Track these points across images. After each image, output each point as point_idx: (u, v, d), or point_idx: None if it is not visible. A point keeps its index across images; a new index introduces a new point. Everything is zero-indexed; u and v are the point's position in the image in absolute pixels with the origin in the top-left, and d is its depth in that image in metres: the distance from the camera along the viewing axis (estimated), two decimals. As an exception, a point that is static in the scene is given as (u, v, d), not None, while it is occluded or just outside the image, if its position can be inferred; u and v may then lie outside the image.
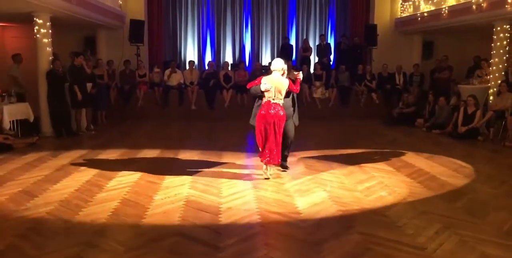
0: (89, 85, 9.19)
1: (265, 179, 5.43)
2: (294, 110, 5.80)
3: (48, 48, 8.52)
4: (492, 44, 9.13)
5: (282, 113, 5.38)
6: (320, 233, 3.78)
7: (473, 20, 9.30)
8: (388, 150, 7.36)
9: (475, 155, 7.03)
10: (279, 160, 5.54)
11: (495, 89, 9.02)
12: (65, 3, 8.14)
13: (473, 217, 4.16)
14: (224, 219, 4.09)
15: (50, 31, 8.50)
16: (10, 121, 7.85)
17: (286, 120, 5.53)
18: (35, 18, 8.25)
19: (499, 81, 8.86)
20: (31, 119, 8.48)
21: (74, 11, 8.64)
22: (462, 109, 8.72)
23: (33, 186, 5.15)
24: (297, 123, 5.91)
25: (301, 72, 5.82)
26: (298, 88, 5.68)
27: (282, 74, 5.49)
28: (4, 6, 7.57)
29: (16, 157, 6.73)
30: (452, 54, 11.89)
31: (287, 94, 5.58)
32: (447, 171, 5.94)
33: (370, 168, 6.07)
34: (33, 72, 8.79)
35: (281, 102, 5.41)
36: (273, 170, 5.69)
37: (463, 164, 6.39)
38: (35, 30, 8.35)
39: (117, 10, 11.46)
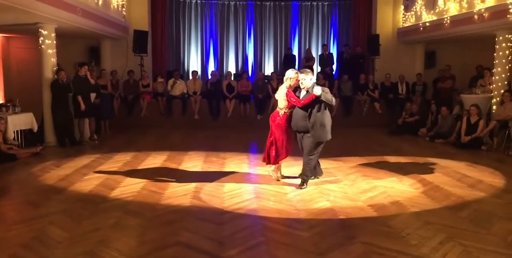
0: (92, 95, 9.25)
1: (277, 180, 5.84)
2: (313, 125, 5.33)
3: (52, 59, 8.60)
4: (495, 54, 9.15)
5: (277, 122, 5.60)
6: (323, 243, 3.76)
7: (475, 30, 9.33)
8: (391, 160, 7.34)
9: (479, 164, 7.00)
10: (268, 161, 5.79)
11: (498, 98, 9.01)
12: (70, 14, 8.24)
13: (478, 227, 4.13)
14: (227, 228, 4.08)
15: (54, 42, 8.59)
16: (14, 131, 7.89)
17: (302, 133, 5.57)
18: (40, 29, 8.35)
19: (502, 91, 8.85)
20: (35, 129, 8.53)
21: (78, 22, 8.74)
22: (465, 118, 8.71)
23: (37, 196, 5.16)
24: (318, 139, 5.40)
25: (315, 87, 5.26)
26: (303, 102, 5.31)
27: (293, 84, 5.52)
28: (10, 18, 7.67)
29: (20, 167, 6.75)
30: (454, 63, 11.91)
31: (308, 106, 5.34)
32: (451, 181, 5.92)
33: (373, 178, 6.05)
34: (37, 83, 8.86)
35: (281, 111, 5.57)
36: (278, 173, 5.86)
37: (467, 173, 6.37)
38: (40, 41, 8.44)
39: (121, 21, 11.58)
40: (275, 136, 5.67)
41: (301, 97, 5.42)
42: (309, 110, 5.35)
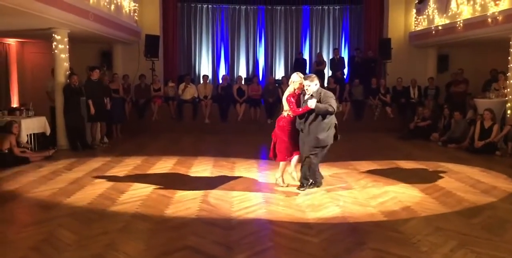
0: (106, 100, 9.32)
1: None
2: (307, 135, 5.34)
3: (65, 63, 8.71)
4: (509, 57, 9.00)
5: (281, 124, 5.58)
6: (332, 248, 3.72)
7: (488, 33, 9.21)
8: (402, 165, 7.26)
9: (493, 170, 6.87)
10: (271, 156, 5.78)
11: (512, 103, 8.87)
12: (83, 19, 8.35)
13: (491, 234, 4.04)
14: (235, 233, 4.06)
15: (67, 46, 8.70)
16: (27, 135, 8.00)
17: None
18: (53, 34, 8.47)
19: (517, 95, 8.71)
20: (48, 132, 8.62)
21: (91, 27, 8.84)
22: (478, 123, 8.58)
23: (48, 198, 5.20)
24: (330, 141, 5.43)
25: (309, 100, 5.21)
26: (298, 112, 5.35)
27: (297, 88, 5.50)
28: (25, 23, 7.80)
29: (32, 170, 6.83)
30: (467, 67, 11.77)
31: (303, 116, 5.36)
32: (464, 187, 5.82)
33: (383, 183, 5.98)
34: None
35: (284, 113, 5.58)
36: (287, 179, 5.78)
37: (481, 179, 6.26)
38: (54, 46, 8.56)
39: (133, 25, 11.69)
40: (278, 138, 5.65)
41: (302, 102, 5.42)
42: (303, 119, 5.35)
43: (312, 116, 5.30)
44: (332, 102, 5.24)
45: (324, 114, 5.26)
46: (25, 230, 4.15)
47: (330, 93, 5.37)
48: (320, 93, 5.32)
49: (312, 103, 5.17)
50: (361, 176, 6.44)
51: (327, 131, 5.36)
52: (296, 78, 5.52)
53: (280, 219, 4.46)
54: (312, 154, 5.41)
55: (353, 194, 5.45)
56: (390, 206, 4.94)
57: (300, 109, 5.36)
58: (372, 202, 5.09)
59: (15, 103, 10.96)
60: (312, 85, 5.30)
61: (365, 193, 5.47)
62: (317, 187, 5.64)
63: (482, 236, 4.00)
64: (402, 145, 9.52)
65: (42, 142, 8.57)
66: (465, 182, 6.06)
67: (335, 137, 5.52)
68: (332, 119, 5.41)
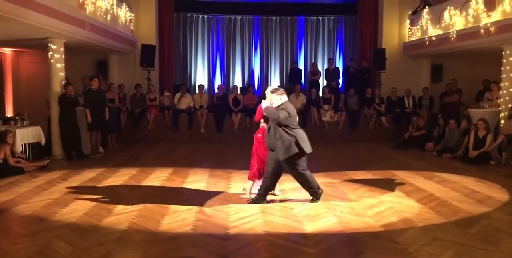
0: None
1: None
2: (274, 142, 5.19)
3: (61, 73, 8.70)
4: (502, 68, 9.12)
5: (259, 135, 5.62)
6: (329, 259, 3.71)
7: (481, 44, 9.33)
8: (398, 174, 7.28)
9: (488, 179, 6.91)
10: (252, 177, 5.68)
11: (506, 113, 8.94)
12: (79, 29, 8.37)
13: (487, 244, 4.06)
14: (232, 244, 4.04)
15: (63, 56, 8.71)
16: (22, 145, 7.95)
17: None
18: (49, 44, 8.47)
19: (510, 105, 8.79)
20: (43, 142, 8.58)
21: (87, 36, 8.86)
22: (473, 133, 8.65)
23: (43, 209, 5.16)
24: (280, 157, 5.17)
25: (263, 101, 5.42)
26: (255, 116, 5.66)
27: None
28: (21, 33, 7.80)
29: (27, 180, 6.78)
30: (461, 77, 11.89)
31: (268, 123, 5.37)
32: (459, 196, 5.84)
33: (380, 193, 5.99)
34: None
35: (261, 125, 5.65)
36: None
37: (476, 189, 6.29)
38: (49, 56, 8.56)
39: (129, 35, 11.73)
40: (253, 151, 5.72)
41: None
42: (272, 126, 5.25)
43: (268, 125, 5.32)
44: (280, 112, 5.10)
45: (273, 120, 5.16)
46: (20, 241, 4.11)
47: (289, 108, 5.20)
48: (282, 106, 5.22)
49: (263, 104, 5.37)
50: (357, 185, 6.45)
51: (280, 144, 5.13)
52: (267, 90, 5.55)
53: (277, 230, 4.44)
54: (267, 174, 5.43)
55: (350, 204, 5.45)
56: (387, 216, 4.95)
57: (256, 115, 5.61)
58: (368, 212, 5.10)
59: (9, 113, 10.90)
60: (276, 98, 5.25)
61: (362, 203, 5.47)
62: (312, 199, 5.52)
63: (479, 245, 4.01)
64: (397, 154, 9.56)
65: (37, 151, 8.51)
66: (460, 192, 6.09)
67: (301, 151, 5.18)
68: (284, 136, 5.12)
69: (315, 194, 5.52)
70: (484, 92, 10.38)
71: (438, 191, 6.14)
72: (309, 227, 4.53)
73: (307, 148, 5.25)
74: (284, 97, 5.32)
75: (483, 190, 6.19)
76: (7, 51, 11.17)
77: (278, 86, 5.71)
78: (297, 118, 5.40)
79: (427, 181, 6.77)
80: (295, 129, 5.23)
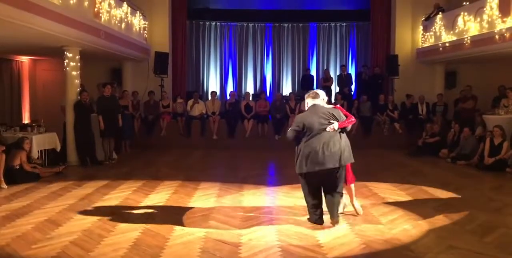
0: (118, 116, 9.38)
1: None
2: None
3: (76, 80, 8.84)
4: (518, 74, 9.02)
5: None
6: (343, 267, 3.69)
7: (496, 50, 9.23)
8: (412, 182, 7.21)
9: (505, 187, 6.81)
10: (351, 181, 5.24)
11: (522, 119, 8.83)
12: (94, 37, 8.51)
13: (504, 253, 3.99)
14: (244, 251, 4.04)
15: (79, 64, 8.85)
16: (38, 151, 8.08)
17: None
18: (65, 52, 8.63)
19: (526, 112, 8.67)
20: (58, 149, 8.70)
21: (102, 45, 9.01)
22: (488, 140, 8.53)
23: (58, 215, 5.23)
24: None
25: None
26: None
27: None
28: (38, 41, 7.96)
29: (43, 186, 6.88)
30: (476, 83, 11.74)
31: None
32: (476, 204, 5.76)
33: (393, 200, 5.94)
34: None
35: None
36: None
37: (492, 196, 6.20)
38: (65, 63, 8.71)
39: (143, 43, 11.89)
40: None
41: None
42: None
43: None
44: (289, 130, 4.81)
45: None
46: (36, 247, 4.16)
47: (300, 115, 4.87)
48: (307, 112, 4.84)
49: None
50: (370, 193, 6.40)
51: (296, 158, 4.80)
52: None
53: (290, 237, 4.43)
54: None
55: (363, 211, 5.40)
56: (401, 223, 4.90)
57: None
58: (382, 219, 5.05)
59: (26, 120, 11.10)
60: (308, 102, 4.86)
61: (375, 210, 5.43)
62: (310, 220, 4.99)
63: (495, 254, 3.94)
64: (411, 161, 9.47)
65: (53, 157, 8.64)
66: (476, 199, 6.00)
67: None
68: (300, 146, 4.74)
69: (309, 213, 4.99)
70: (499, 99, 10.25)
71: (453, 198, 6.06)
72: (322, 235, 4.50)
73: (303, 167, 4.67)
74: (311, 101, 4.81)
75: (500, 198, 6.10)
76: (25, 59, 11.40)
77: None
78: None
79: (442, 188, 6.68)
80: (309, 140, 4.66)
